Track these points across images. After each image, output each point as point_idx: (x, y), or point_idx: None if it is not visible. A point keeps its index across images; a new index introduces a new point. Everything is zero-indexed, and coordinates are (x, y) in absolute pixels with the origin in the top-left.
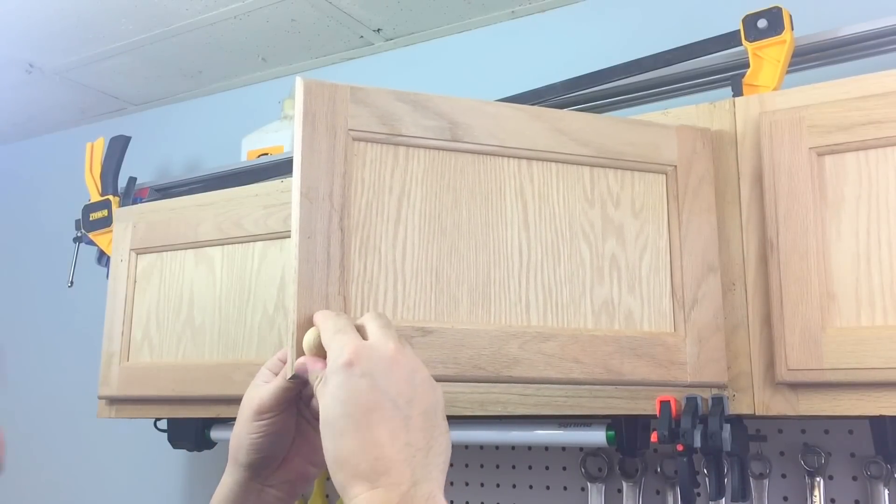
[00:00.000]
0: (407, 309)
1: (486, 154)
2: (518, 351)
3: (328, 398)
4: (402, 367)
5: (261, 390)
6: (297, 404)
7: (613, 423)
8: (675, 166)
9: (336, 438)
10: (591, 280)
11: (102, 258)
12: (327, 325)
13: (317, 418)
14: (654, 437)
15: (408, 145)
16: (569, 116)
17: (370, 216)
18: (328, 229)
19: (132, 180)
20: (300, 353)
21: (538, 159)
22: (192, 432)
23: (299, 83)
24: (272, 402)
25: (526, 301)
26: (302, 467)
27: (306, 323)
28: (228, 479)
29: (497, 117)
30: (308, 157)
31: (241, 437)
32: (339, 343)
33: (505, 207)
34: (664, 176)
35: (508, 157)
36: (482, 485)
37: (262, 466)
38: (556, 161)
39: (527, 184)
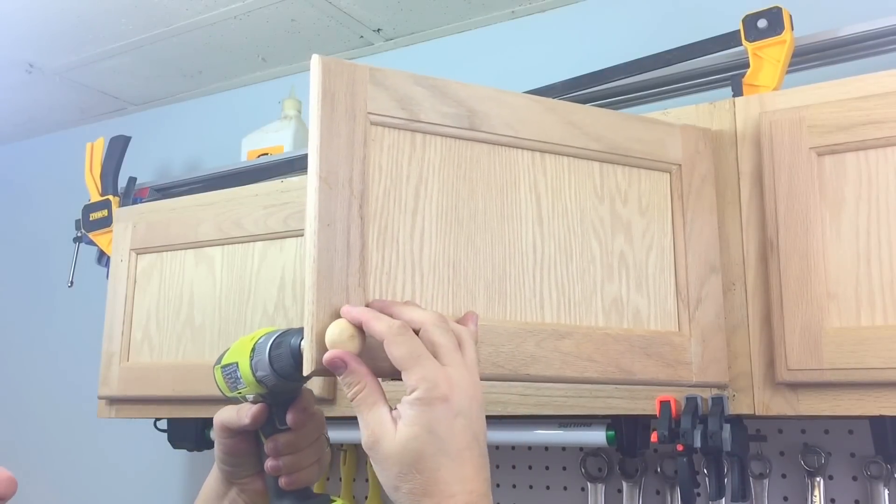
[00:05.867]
0: (425, 303)
1: (502, 145)
2: (535, 349)
3: (421, 428)
4: (480, 401)
5: (225, 411)
6: (258, 436)
7: (613, 423)
8: (680, 165)
9: (429, 471)
10: (602, 277)
11: (102, 258)
12: (396, 340)
13: (277, 450)
14: (654, 437)
15: (425, 132)
16: (581, 110)
17: (388, 205)
18: (348, 217)
19: (132, 180)
20: (320, 347)
21: (551, 152)
22: (192, 432)
23: (316, 61)
24: (231, 425)
25: (540, 297)
26: (262, 487)
27: (328, 316)
28: (214, 472)
29: (514, 107)
30: (327, 139)
31: (216, 444)
32: (428, 372)
33: (519, 200)
34: (668, 175)
35: (523, 148)
36: None
37: (232, 474)
38: (568, 155)
39: (540, 177)
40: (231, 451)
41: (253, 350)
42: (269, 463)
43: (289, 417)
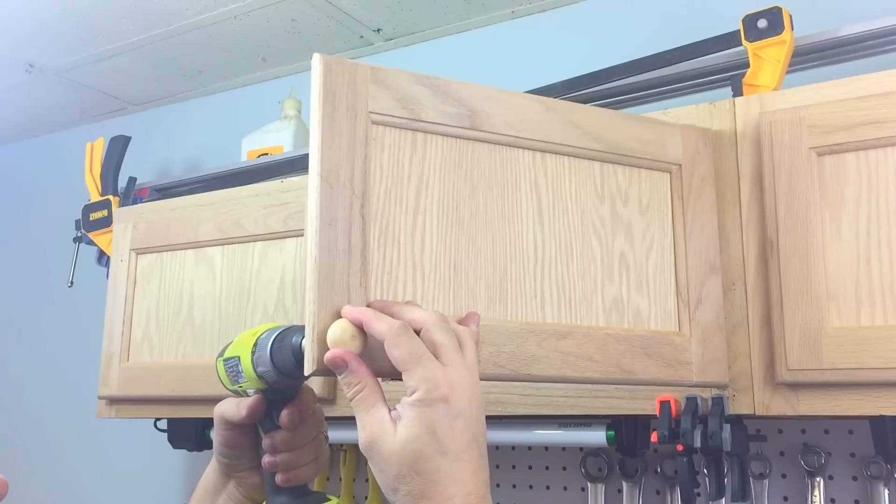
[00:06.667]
0: (426, 303)
1: (503, 144)
2: (536, 349)
3: (421, 429)
4: (480, 402)
5: (226, 403)
6: (257, 431)
7: (613, 423)
8: (680, 165)
9: (428, 472)
10: (602, 277)
11: (102, 258)
12: (397, 341)
13: (274, 447)
14: (654, 437)
15: (426, 132)
16: (582, 110)
17: (389, 204)
18: (349, 217)
19: (132, 180)
20: (322, 347)
21: (552, 152)
22: (192, 432)
23: (318, 60)
24: (230, 417)
25: (541, 297)
26: (259, 481)
27: (329, 316)
28: (212, 464)
29: (515, 107)
30: (329, 139)
31: (214, 435)
32: (429, 373)
33: (521, 200)
34: (668, 175)
35: (524, 148)
36: None
37: (229, 467)
38: (569, 154)
39: (541, 177)
40: (229, 443)
41: (255, 345)
42: (265, 459)
43: (282, 416)
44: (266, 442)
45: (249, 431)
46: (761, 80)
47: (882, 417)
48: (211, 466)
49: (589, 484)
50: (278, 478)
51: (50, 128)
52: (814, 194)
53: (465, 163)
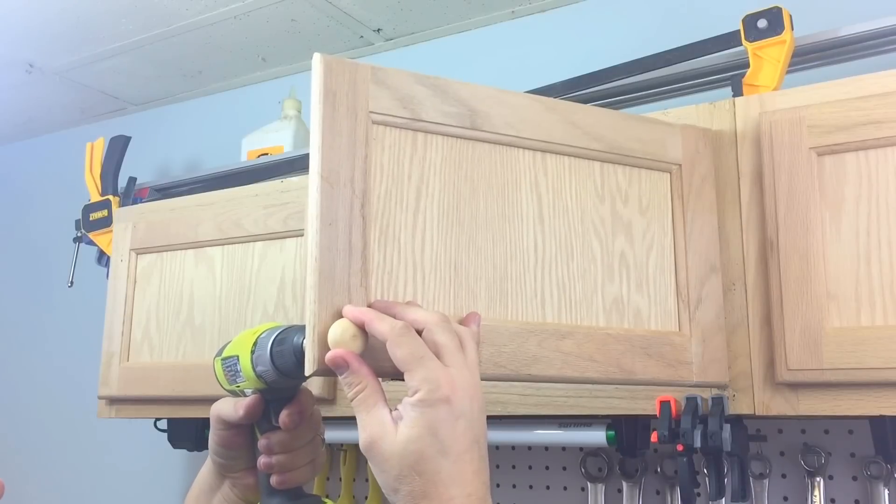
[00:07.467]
0: (427, 303)
1: (503, 144)
2: (537, 349)
3: (423, 430)
4: (481, 403)
5: (223, 403)
6: (253, 431)
7: (613, 423)
8: (680, 165)
9: (429, 473)
10: (602, 277)
11: (102, 258)
12: (399, 341)
13: (269, 449)
14: (654, 437)
15: (426, 132)
16: (582, 110)
17: (389, 205)
18: (350, 217)
19: (132, 180)
20: (322, 347)
21: (552, 152)
22: (192, 432)
23: (318, 60)
24: (227, 417)
25: (541, 297)
26: (253, 482)
27: (330, 316)
28: (207, 464)
29: (515, 107)
30: (329, 138)
31: (210, 435)
32: (431, 373)
33: (521, 200)
34: (668, 175)
35: (524, 148)
36: None
37: (224, 467)
38: (569, 154)
39: (541, 177)
40: (225, 443)
41: (255, 345)
42: (261, 460)
43: (280, 417)
44: (262, 443)
45: (246, 432)
46: (761, 80)
47: (882, 417)
48: (206, 466)
49: (589, 484)
50: (273, 479)
51: (50, 128)
52: (814, 194)
53: (465, 163)
